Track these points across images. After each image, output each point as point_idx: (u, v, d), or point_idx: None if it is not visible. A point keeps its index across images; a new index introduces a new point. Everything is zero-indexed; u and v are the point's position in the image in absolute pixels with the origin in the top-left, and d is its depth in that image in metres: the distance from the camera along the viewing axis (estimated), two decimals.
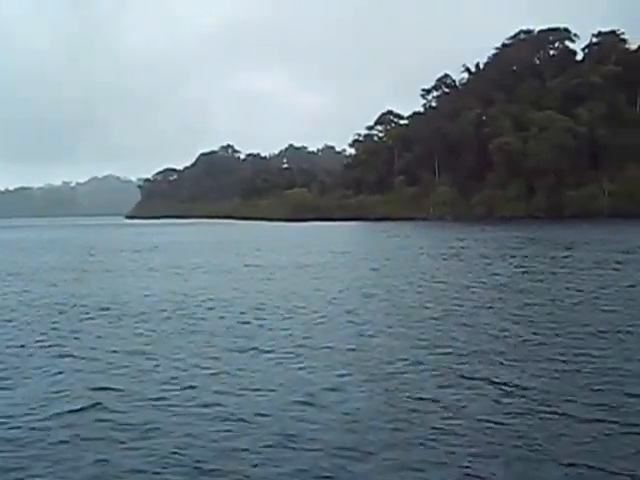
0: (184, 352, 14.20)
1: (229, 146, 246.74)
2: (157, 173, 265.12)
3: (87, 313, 19.74)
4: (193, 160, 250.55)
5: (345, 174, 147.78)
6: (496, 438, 8.83)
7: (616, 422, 9.35)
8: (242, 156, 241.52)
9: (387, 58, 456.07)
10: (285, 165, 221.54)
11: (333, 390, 11.19)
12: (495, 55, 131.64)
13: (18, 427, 9.65)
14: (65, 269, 34.46)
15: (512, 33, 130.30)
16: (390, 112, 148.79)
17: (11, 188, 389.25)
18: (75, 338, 16.06)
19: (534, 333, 15.40)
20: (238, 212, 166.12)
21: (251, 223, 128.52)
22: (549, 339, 14.73)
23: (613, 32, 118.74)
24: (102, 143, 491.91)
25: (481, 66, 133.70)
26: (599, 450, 8.39)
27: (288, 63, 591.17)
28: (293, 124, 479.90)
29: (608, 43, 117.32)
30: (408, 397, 10.67)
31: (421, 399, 10.54)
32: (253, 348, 14.46)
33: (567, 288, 23.12)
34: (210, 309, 20.18)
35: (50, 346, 15.18)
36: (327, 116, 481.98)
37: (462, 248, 44.49)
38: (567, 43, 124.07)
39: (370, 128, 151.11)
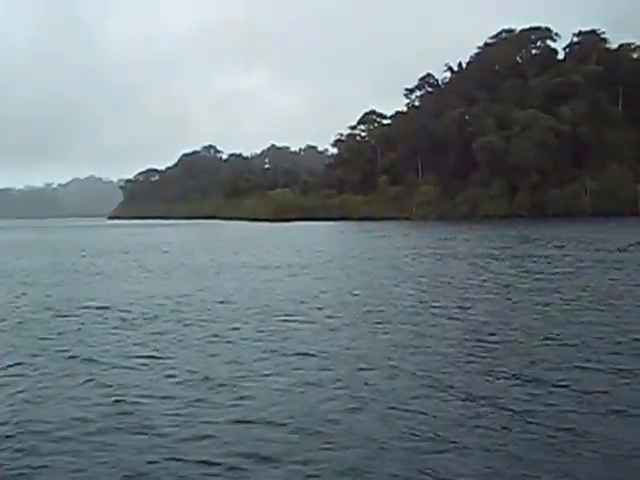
0: (193, 354, 14.11)
1: (211, 146, 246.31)
2: (139, 174, 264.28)
3: (87, 313, 19.53)
4: (175, 160, 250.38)
5: (328, 174, 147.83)
6: (488, 445, 8.58)
7: (616, 415, 9.34)
8: (224, 156, 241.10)
9: (370, 58, 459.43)
10: (267, 165, 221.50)
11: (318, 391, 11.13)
12: (477, 54, 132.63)
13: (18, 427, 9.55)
14: (60, 271, 34.07)
15: (494, 32, 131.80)
16: (373, 112, 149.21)
17: None
18: (75, 338, 15.86)
19: (533, 333, 15.41)
20: (221, 212, 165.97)
21: (235, 223, 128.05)
22: (549, 339, 14.78)
23: (594, 32, 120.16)
24: (84, 144, 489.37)
25: (464, 65, 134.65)
26: (604, 458, 8.16)
27: (270, 63, 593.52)
28: (275, 124, 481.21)
29: (589, 42, 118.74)
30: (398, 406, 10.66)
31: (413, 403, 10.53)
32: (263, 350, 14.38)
33: (579, 287, 23.32)
34: (210, 309, 20.05)
35: (50, 346, 15.00)
36: (309, 116, 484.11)
37: (454, 247, 44.65)
38: (549, 42, 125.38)
39: (353, 128, 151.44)
